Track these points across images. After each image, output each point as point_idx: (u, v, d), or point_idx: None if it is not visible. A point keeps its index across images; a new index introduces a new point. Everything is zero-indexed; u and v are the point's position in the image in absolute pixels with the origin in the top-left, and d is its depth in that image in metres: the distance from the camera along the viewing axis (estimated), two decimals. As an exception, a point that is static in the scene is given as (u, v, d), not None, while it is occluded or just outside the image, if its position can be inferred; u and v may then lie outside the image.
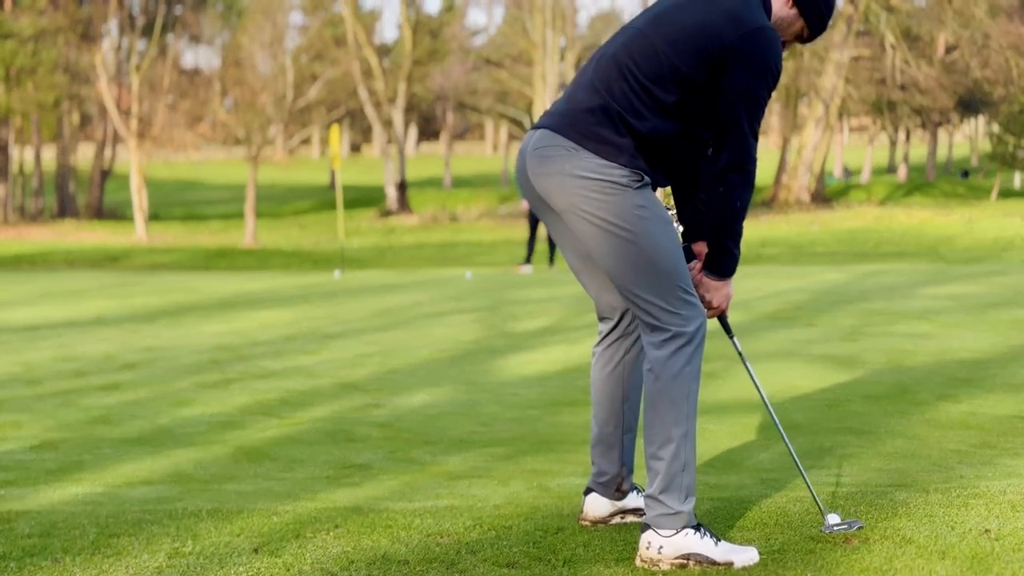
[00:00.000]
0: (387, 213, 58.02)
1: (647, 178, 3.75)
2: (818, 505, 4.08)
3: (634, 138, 3.72)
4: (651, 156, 3.76)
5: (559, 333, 10.88)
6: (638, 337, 4.07)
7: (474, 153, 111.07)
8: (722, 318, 4.10)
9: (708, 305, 3.99)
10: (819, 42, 56.84)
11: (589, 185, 3.70)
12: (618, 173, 3.70)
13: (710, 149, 3.84)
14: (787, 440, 4.28)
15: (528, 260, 22.90)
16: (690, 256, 4.03)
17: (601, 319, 4.13)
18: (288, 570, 3.72)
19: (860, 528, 3.95)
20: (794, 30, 3.93)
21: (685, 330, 3.76)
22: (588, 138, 3.73)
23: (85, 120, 69.79)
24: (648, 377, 3.79)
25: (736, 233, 3.85)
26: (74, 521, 4.34)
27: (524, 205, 23.16)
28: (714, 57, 3.66)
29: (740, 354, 4.20)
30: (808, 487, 4.14)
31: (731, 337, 4.17)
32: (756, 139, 3.76)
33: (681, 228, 4.11)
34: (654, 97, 3.70)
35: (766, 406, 4.33)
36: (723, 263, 3.91)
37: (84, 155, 73.08)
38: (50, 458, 5.76)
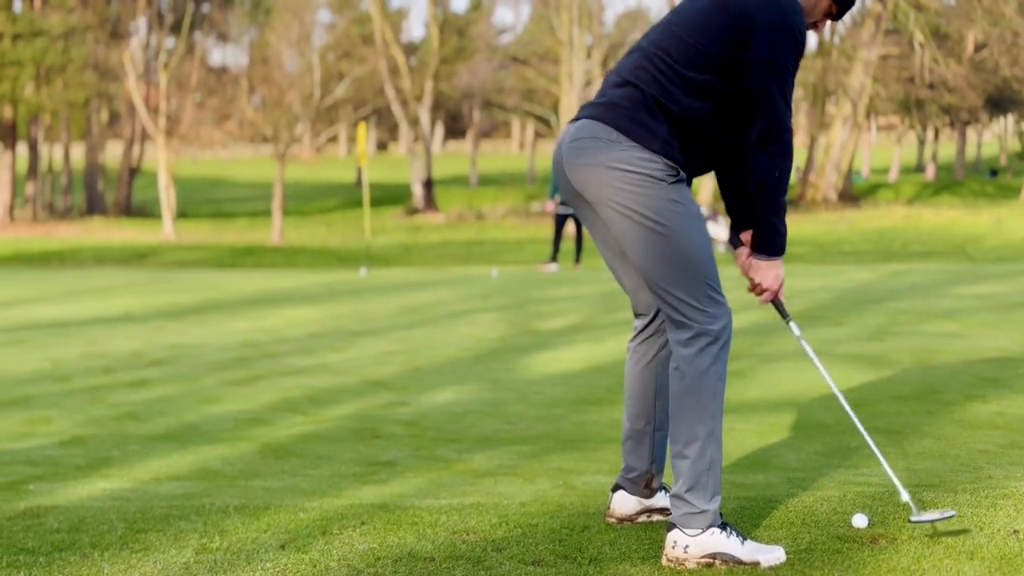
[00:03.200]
0: (413, 211, 58.10)
1: (682, 173, 3.75)
2: (910, 504, 3.99)
3: (669, 122, 3.71)
4: (686, 141, 3.75)
5: (584, 332, 10.87)
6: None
7: (500, 151, 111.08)
8: (776, 302, 4.04)
9: (760, 288, 3.95)
10: (847, 40, 56.66)
11: (624, 177, 3.69)
12: (653, 166, 3.69)
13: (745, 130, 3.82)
14: (861, 428, 4.22)
15: (554, 259, 22.88)
16: (737, 243, 4.02)
17: (637, 315, 4.12)
18: (315, 566, 3.73)
19: (951, 517, 3.90)
20: (822, 7, 3.91)
21: (712, 328, 3.75)
22: (624, 125, 3.71)
23: (114, 118, 70.12)
24: (674, 375, 3.78)
25: (779, 206, 3.81)
26: (102, 516, 4.36)
27: (548, 206, 23.10)
28: (738, 29, 3.66)
29: (799, 338, 4.13)
30: (893, 480, 4.04)
31: (787, 321, 4.11)
32: (789, 108, 3.72)
33: (719, 225, 4.10)
34: (685, 79, 3.70)
35: (834, 392, 4.28)
36: (770, 240, 3.86)
37: (112, 153, 73.42)
38: (79, 454, 5.79)
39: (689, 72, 3.70)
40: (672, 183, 3.73)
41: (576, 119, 3.87)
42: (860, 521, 3.94)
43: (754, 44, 3.66)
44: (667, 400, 4.07)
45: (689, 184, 3.88)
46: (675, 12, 3.85)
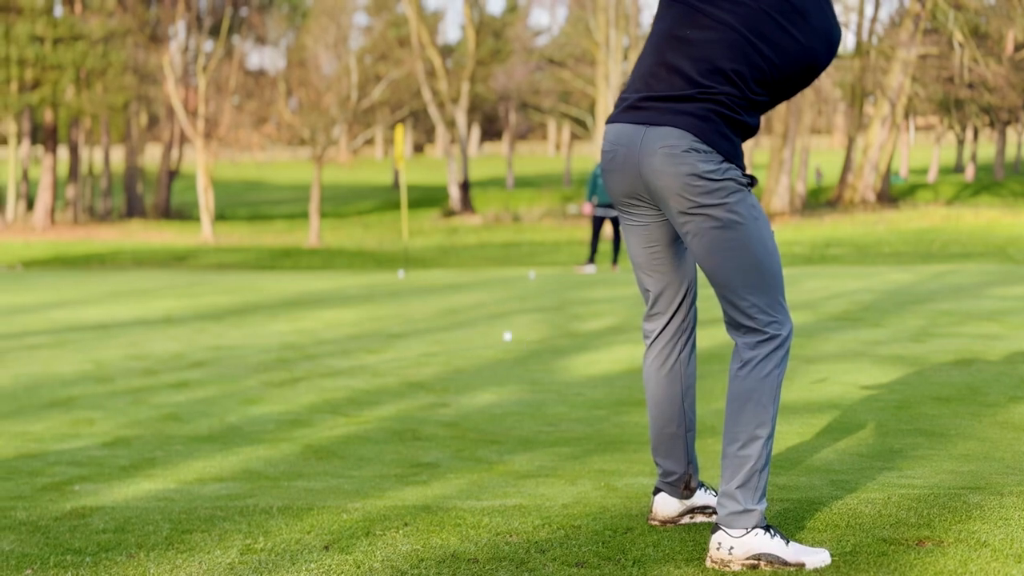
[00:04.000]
0: (450, 213, 58.16)
1: (752, 181, 3.76)
2: None
3: (740, 134, 3.74)
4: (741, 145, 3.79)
5: (624, 333, 10.85)
6: (691, 334, 4.09)
7: (536, 153, 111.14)
8: None
9: None
10: (886, 40, 56.36)
11: (710, 184, 3.67)
12: (736, 173, 3.69)
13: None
14: None
15: (591, 260, 22.86)
16: None
17: (651, 317, 4.10)
18: (359, 567, 3.73)
19: None
20: None
21: (780, 333, 3.77)
22: (710, 136, 3.69)
23: (153, 121, 70.61)
24: (738, 376, 3.78)
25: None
26: (147, 517, 4.39)
27: (586, 208, 23.08)
28: None
29: None
30: None
31: None
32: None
33: None
34: (752, 96, 3.74)
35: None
36: None
37: (152, 156, 73.98)
38: (123, 455, 5.84)
39: (759, 90, 3.73)
40: (750, 190, 3.74)
41: (655, 123, 3.78)
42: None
43: None
44: (693, 400, 4.12)
45: None
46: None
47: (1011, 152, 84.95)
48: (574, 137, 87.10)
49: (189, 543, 4.03)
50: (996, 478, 4.75)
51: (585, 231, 39.37)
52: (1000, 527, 3.95)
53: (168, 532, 4.16)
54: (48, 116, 57.17)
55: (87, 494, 4.88)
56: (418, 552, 3.87)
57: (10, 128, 61.04)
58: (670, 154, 3.71)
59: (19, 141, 61.74)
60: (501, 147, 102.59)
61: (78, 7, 57.49)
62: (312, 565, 3.76)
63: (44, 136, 58.92)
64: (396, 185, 77.18)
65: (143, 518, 4.37)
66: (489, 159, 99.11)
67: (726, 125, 3.70)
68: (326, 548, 3.94)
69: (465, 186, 60.06)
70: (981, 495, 4.39)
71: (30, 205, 60.55)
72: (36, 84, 54.37)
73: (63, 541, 4.09)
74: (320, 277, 23.41)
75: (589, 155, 78.39)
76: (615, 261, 22.87)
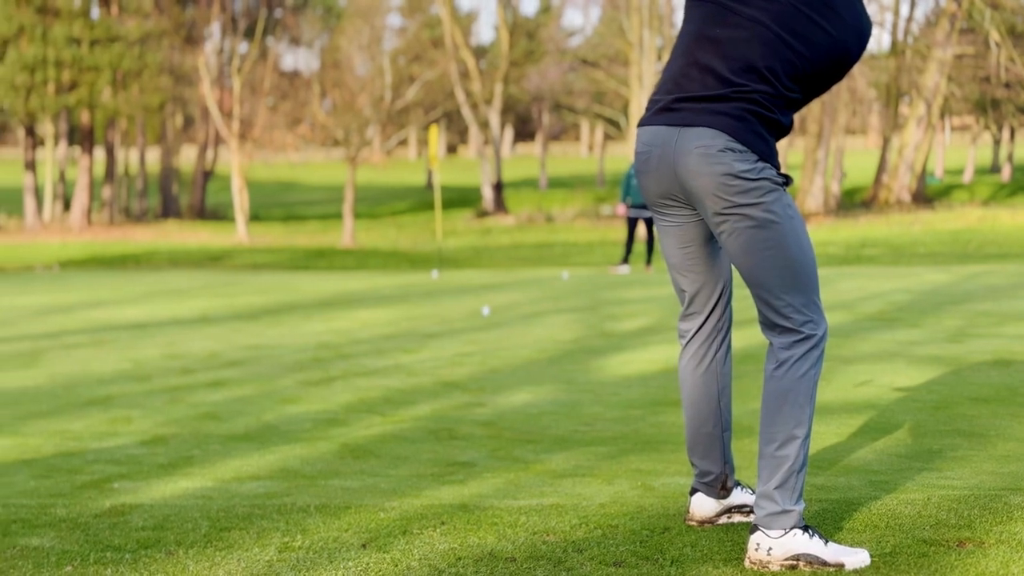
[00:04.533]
0: (483, 213, 58.21)
1: (787, 180, 3.75)
2: None
3: (776, 134, 3.74)
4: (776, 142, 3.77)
5: (659, 333, 10.83)
6: (727, 334, 4.08)
7: (569, 154, 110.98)
8: None
9: None
10: (921, 40, 56.04)
11: (746, 184, 3.66)
12: (771, 173, 3.68)
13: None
14: None
15: (626, 260, 22.82)
16: None
17: (686, 317, 4.10)
18: (396, 566, 3.74)
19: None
20: None
21: (816, 333, 3.76)
22: (746, 136, 3.67)
23: (188, 122, 71.03)
24: (774, 376, 3.77)
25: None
26: (186, 515, 4.40)
27: (620, 209, 23.05)
28: None
29: None
30: None
31: None
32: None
33: None
34: (786, 94, 3.73)
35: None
36: None
37: (187, 157, 74.32)
38: (161, 453, 5.86)
39: (792, 87, 3.72)
40: (785, 189, 3.72)
41: (689, 123, 3.76)
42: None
43: None
44: (729, 400, 4.11)
45: None
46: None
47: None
48: (607, 138, 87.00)
49: (227, 541, 4.05)
50: (1037, 479, 4.72)
51: (619, 232, 39.29)
52: (1041, 528, 3.93)
53: (207, 530, 4.18)
54: (85, 117, 57.50)
55: (126, 492, 4.91)
56: (455, 551, 3.87)
57: (47, 129, 61.63)
58: (705, 154, 3.69)
59: (56, 142, 62.29)
60: (534, 148, 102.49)
61: (115, 9, 57.83)
62: (350, 563, 3.77)
63: (81, 137, 59.27)
64: (430, 185, 77.22)
65: (182, 516, 4.39)
66: (522, 160, 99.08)
67: (761, 124, 3.69)
68: (363, 546, 3.94)
69: (498, 187, 60.12)
70: (1022, 496, 4.35)
71: (67, 206, 60.94)
72: (73, 85, 54.70)
73: (103, 538, 4.11)
74: (354, 277, 23.47)
75: (623, 156, 78.19)
76: (649, 262, 22.83)
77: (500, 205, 59.39)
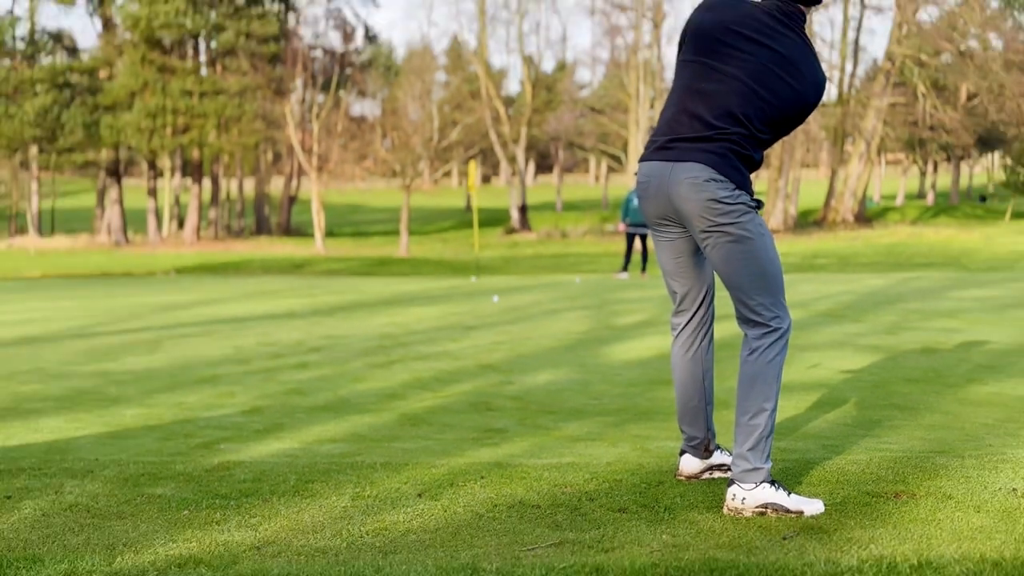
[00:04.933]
0: (511, 230, 58.12)
1: (759, 203, 3.74)
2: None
3: (750, 165, 3.72)
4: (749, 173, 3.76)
5: (653, 326, 10.80)
6: (710, 327, 4.07)
7: (580, 183, 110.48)
8: None
9: None
10: (862, 91, 55.77)
11: (726, 207, 3.65)
12: (746, 198, 3.67)
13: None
14: None
15: (624, 269, 22.75)
16: None
17: (677, 313, 4.09)
18: (444, 511, 3.74)
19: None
20: None
21: (781, 327, 3.76)
22: (725, 169, 3.66)
23: (276, 157, 71.11)
24: (747, 361, 3.76)
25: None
26: (278, 470, 4.42)
27: (620, 227, 23.00)
28: None
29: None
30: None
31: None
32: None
33: None
34: (758, 135, 3.71)
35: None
36: None
37: (275, 185, 74.43)
38: (257, 420, 5.88)
39: (763, 130, 3.71)
40: (757, 211, 3.71)
41: (682, 159, 3.73)
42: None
43: None
44: (711, 379, 4.10)
45: None
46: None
47: (964, 182, 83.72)
48: (610, 170, 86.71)
49: (311, 491, 4.06)
50: (957, 444, 4.69)
51: (619, 245, 39.14)
52: (962, 483, 3.90)
53: (294, 482, 4.19)
54: (195, 154, 57.85)
55: (230, 451, 4.93)
56: (492, 499, 3.88)
57: (165, 163, 61.92)
58: (693, 184, 3.70)
59: (172, 174, 62.55)
60: (552, 178, 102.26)
61: (219, 68, 58.13)
62: (408, 509, 3.77)
63: (192, 170, 59.60)
64: (468, 208, 77.21)
65: (274, 471, 4.41)
66: (542, 188, 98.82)
67: (737, 159, 3.69)
68: (419, 496, 3.95)
69: (523, 209, 60.05)
70: (945, 457, 4.33)
71: (180, 224, 61.25)
72: (186, 129, 55.03)
73: (212, 488, 4.13)
74: (409, 281, 23.49)
75: (623, 184, 77.97)
76: (644, 269, 22.74)
77: (525, 224, 59.31)
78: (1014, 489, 3.82)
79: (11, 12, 59.79)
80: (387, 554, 3.27)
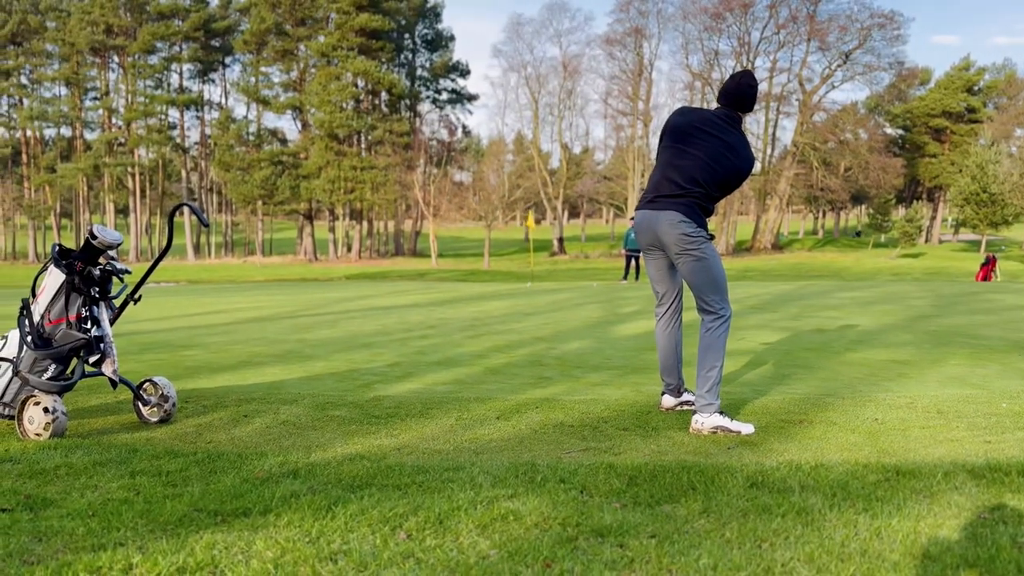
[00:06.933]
0: (553, 253, 57.90)
1: (712, 236, 3.71)
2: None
3: (707, 213, 3.69)
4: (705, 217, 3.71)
5: (643, 314, 10.68)
6: (680, 314, 4.01)
7: (596, 224, 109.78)
8: None
9: None
10: (776, 166, 54.70)
11: (691, 239, 3.63)
12: (704, 233, 3.64)
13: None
14: None
15: (625, 277, 22.56)
16: None
17: (659, 305, 4.04)
18: (514, 428, 3.74)
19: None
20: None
21: (726, 314, 3.72)
22: (693, 215, 3.64)
23: (408, 207, 71.57)
24: (704, 336, 3.72)
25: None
26: (410, 401, 4.43)
27: (622, 251, 22.82)
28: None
29: None
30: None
31: None
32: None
33: None
34: (712, 194, 3.67)
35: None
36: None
37: (407, 224, 74.96)
38: (397, 371, 5.88)
39: (715, 191, 3.66)
40: (711, 241, 3.68)
41: (665, 208, 3.69)
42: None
43: None
44: (681, 347, 4.04)
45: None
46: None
47: (842, 223, 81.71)
48: (616, 216, 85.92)
49: (429, 414, 4.08)
50: (840, 389, 4.59)
51: (621, 263, 38.76)
52: (841, 415, 3.82)
53: (420, 408, 4.20)
54: (358, 205, 58.39)
55: (380, 389, 4.95)
56: (543, 421, 3.87)
57: (340, 211, 62.59)
58: (671, 224, 3.68)
59: (344, 218, 63.25)
60: (579, 220, 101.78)
61: (373, 152, 58.66)
62: (490, 427, 3.78)
63: (356, 215, 60.16)
64: (526, 239, 77.06)
65: (408, 401, 4.42)
66: (572, 227, 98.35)
67: (699, 210, 3.66)
68: (498, 418, 3.95)
69: (560, 240, 59.82)
70: (832, 398, 4.24)
71: (349, 249, 61.89)
72: (352, 190, 55.64)
73: (370, 411, 4.16)
74: (489, 285, 23.46)
75: (623, 225, 77.40)
76: (636, 278, 22.53)
77: (561, 249, 59.05)
78: (876, 419, 3.73)
79: (246, 117, 61.18)
80: (478, 453, 3.28)
